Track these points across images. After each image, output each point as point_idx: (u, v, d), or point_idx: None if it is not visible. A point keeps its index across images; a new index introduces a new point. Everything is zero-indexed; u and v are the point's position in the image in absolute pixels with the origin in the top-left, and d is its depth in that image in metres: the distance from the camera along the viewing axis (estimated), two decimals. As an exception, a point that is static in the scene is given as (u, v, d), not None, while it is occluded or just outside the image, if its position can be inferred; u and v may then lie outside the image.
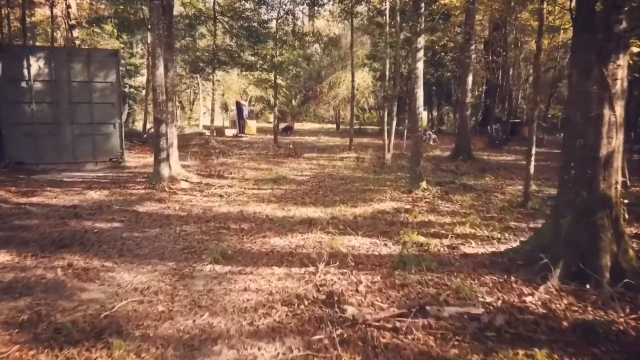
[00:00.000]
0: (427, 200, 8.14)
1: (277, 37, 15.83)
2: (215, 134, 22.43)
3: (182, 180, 9.44)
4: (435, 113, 30.32)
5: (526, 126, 23.44)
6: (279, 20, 16.28)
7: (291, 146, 14.79)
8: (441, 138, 20.65)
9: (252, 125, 22.43)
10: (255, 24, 16.41)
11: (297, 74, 17.00)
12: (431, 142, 19.56)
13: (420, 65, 8.48)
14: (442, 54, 16.93)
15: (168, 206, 7.51)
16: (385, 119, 12.54)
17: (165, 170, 9.07)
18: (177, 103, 26.43)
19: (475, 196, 8.59)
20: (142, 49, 20.80)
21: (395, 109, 12.71)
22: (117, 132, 11.06)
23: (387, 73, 12.27)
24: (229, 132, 22.92)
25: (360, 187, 9.40)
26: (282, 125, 28.40)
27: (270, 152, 15.10)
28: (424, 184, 8.72)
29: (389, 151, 12.72)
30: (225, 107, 32.82)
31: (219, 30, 16.66)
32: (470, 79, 13.51)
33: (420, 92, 8.52)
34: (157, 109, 8.90)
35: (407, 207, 7.62)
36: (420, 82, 8.51)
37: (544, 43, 24.35)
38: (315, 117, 40.65)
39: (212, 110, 16.96)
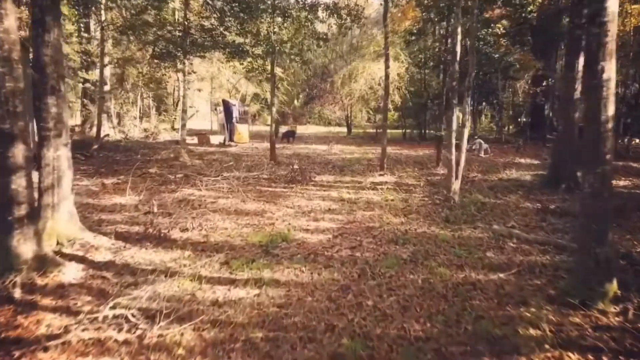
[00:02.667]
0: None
1: (275, 5, 10.89)
2: (197, 143, 17.51)
3: (71, 260, 4.50)
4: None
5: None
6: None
7: (296, 166, 9.82)
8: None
9: (243, 131, 17.38)
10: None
11: (306, 61, 11.89)
12: (482, 154, 14.61)
13: (614, 11, 3.50)
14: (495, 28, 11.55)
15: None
16: (454, 125, 7.57)
17: (25, 246, 4.11)
18: (153, 102, 21.48)
19: None
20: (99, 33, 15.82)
21: (468, 107, 7.74)
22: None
23: (458, 49, 7.31)
24: (216, 140, 17.98)
25: (453, 276, 4.43)
26: (282, 129, 23.45)
27: (265, 175, 10.12)
28: (614, 287, 3.73)
29: (456, 178, 7.75)
30: (217, 108, 27.80)
31: (192, -2, 11.80)
32: (582, 61, 8.51)
33: (611, 70, 3.54)
34: (3, 109, 3.93)
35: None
36: (612, 48, 3.53)
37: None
38: (320, 119, 35.70)
39: (183, 111, 11.99)
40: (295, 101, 33.00)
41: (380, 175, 10.28)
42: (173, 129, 23.71)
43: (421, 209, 7.27)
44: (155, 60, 12.95)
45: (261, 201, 7.64)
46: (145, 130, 20.39)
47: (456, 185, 7.80)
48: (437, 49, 10.36)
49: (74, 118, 21.27)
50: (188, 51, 11.53)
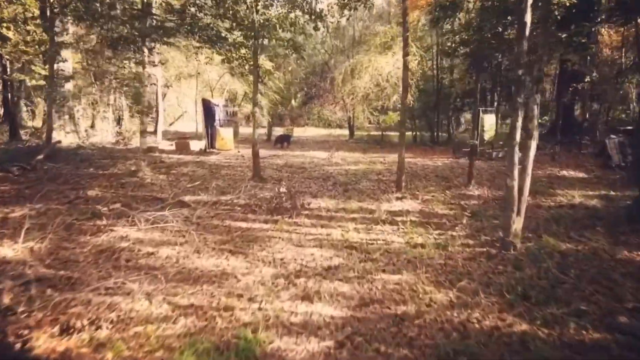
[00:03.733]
0: None
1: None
2: (174, 150, 14.92)
3: None
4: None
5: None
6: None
7: (283, 189, 7.21)
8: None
9: (226, 136, 14.63)
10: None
11: (298, 48, 9.21)
12: (514, 164, 11.98)
13: None
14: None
15: None
16: (517, 136, 4.96)
17: None
18: (127, 103, 18.85)
19: None
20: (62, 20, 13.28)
21: (536, 108, 5.13)
22: None
23: (528, 18, 4.69)
24: (197, 146, 15.34)
25: None
26: (276, 132, 20.84)
27: (242, 199, 7.50)
28: None
29: (518, 214, 5.16)
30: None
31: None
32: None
33: None
34: None
35: None
36: None
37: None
38: (319, 120, 33.05)
39: (140, 112, 9.38)
40: (293, 101, 30.41)
41: (398, 198, 7.67)
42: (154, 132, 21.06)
43: (471, 265, 4.68)
44: (109, 50, 10.33)
45: (225, 250, 5.04)
46: (118, 134, 17.79)
47: (518, 224, 5.22)
48: (475, 28, 7.69)
49: (35, 120, 18.72)
50: (148, 36, 8.93)
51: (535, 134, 5.20)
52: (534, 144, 5.19)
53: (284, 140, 17.25)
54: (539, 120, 22.57)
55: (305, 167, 11.49)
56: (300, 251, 5.07)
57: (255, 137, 9.56)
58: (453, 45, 9.73)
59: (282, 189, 7.05)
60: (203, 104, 14.71)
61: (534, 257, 4.87)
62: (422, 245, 5.30)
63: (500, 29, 7.70)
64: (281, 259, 4.81)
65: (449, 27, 13.16)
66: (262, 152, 13.94)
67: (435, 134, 19.14)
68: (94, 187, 8.01)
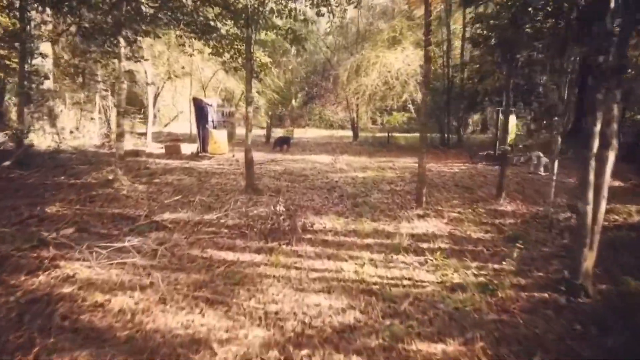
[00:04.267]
0: None
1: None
2: (164, 154, 13.66)
3: None
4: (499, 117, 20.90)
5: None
6: None
7: (281, 207, 5.92)
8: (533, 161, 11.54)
9: (220, 138, 13.26)
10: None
11: (298, 37, 7.90)
12: (541, 171, 10.76)
13: None
14: None
15: None
16: (595, 144, 3.67)
17: None
18: (113, 102, 17.54)
19: None
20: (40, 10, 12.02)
21: (615, 108, 3.83)
22: None
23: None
24: (190, 149, 14.04)
25: None
26: (275, 133, 19.58)
27: (230, 218, 6.21)
28: None
29: (590, 248, 3.88)
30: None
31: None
32: None
33: None
34: None
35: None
36: None
37: None
38: (321, 121, 31.80)
39: (120, 114, 8.09)
40: (293, 101, 29.16)
41: (420, 216, 6.38)
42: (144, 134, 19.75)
43: (538, 323, 3.39)
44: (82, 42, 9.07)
45: (201, 298, 3.76)
46: (105, 136, 16.59)
47: (590, 261, 3.94)
48: (518, 7, 6.14)
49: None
50: (124, 24, 7.65)
51: (614, 142, 3.90)
52: (612, 156, 3.89)
53: (284, 143, 15.97)
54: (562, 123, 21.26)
55: (307, 175, 10.20)
56: (301, 299, 3.79)
57: (251, 141, 8.27)
58: (484, 32, 8.32)
59: (280, 207, 5.76)
60: (194, 104, 13.41)
61: (616, 308, 3.59)
62: (462, 288, 4.03)
63: (550, 9, 6.37)
64: (275, 313, 3.53)
65: (474, 13, 11.77)
66: (260, 157, 12.68)
67: (446, 135, 17.87)
68: (55, 202, 6.72)
